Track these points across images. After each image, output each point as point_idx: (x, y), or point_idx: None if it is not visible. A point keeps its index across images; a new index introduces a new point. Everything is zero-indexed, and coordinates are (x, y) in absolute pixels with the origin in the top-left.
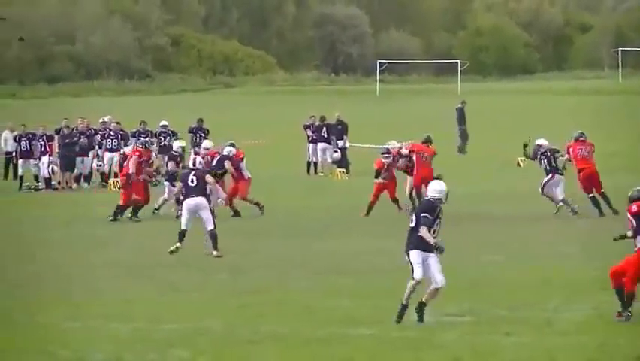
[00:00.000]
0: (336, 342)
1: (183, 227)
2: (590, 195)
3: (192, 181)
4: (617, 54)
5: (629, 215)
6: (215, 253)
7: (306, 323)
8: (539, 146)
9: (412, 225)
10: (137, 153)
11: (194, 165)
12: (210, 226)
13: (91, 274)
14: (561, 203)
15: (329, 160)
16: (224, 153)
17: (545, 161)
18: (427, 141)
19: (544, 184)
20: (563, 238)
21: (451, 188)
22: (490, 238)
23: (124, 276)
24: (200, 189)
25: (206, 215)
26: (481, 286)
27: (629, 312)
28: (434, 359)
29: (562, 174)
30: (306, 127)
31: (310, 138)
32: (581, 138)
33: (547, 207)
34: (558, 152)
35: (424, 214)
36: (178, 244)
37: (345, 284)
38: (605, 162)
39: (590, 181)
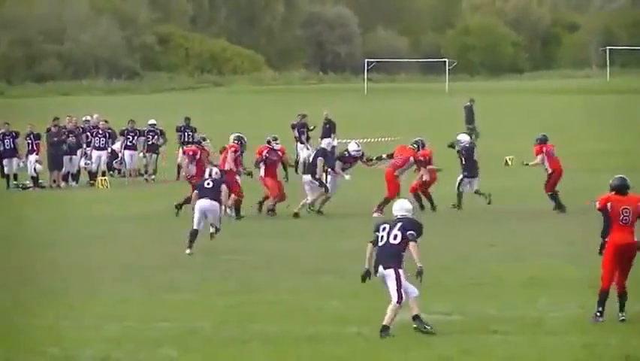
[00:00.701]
0: (326, 342)
1: (195, 227)
2: (550, 193)
3: (209, 184)
4: (605, 53)
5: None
6: (212, 231)
7: (296, 323)
8: (458, 141)
9: (396, 241)
10: (234, 148)
11: (210, 175)
12: (212, 230)
13: (83, 274)
14: (476, 194)
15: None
16: (323, 145)
17: (463, 158)
18: (423, 145)
19: (459, 183)
20: (552, 236)
21: (442, 187)
22: (479, 237)
23: (116, 275)
24: (215, 193)
25: (213, 219)
26: (470, 284)
27: (600, 312)
28: (423, 358)
29: (471, 176)
30: (293, 126)
31: (297, 138)
32: (547, 140)
33: (536, 206)
34: (472, 150)
35: (411, 232)
36: (188, 251)
37: (335, 284)
38: (594, 160)
39: (558, 181)
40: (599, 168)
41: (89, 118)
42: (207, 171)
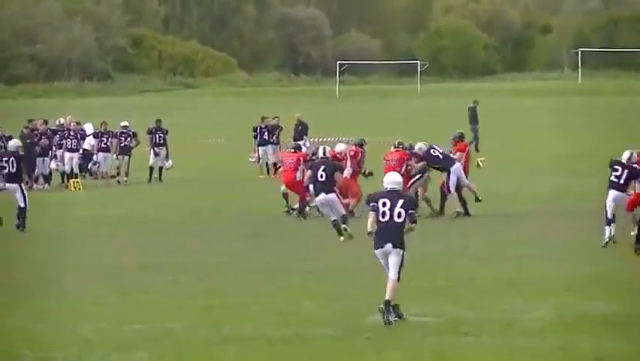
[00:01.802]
0: (298, 343)
1: (332, 218)
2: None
3: (322, 177)
4: (577, 55)
5: None
6: (341, 238)
7: (269, 325)
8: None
9: (400, 220)
10: (353, 152)
11: (324, 153)
12: (336, 216)
13: (56, 275)
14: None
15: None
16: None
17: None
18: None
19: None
20: (526, 238)
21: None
22: (453, 239)
23: (89, 277)
24: (329, 186)
25: (337, 207)
26: (443, 286)
27: None
28: (396, 359)
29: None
30: (256, 129)
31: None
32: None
33: (508, 208)
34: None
35: (412, 213)
36: (343, 235)
37: (307, 286)
38: (567, 162)
39: None
40: (572, 170)
41: (62, 121)
42: (321, 150)
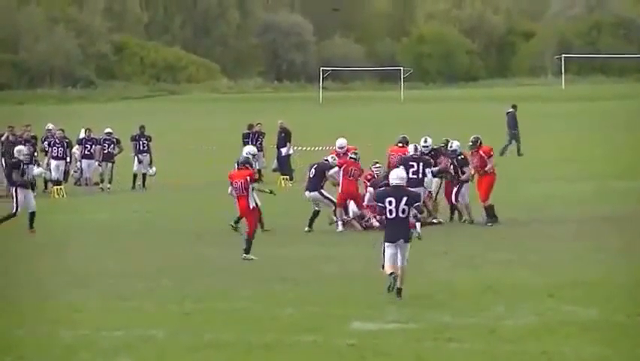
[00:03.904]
0: (280, 349)
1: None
2: None
3: (312, 174)
4: (561, 61)
5: None
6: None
7: (251, 331)
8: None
9: (404, 215)
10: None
11: (326, 160)
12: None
13: (37, 281)
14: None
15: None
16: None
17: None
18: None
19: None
20: (506, 244)
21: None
22: (433, 245)
23: (70, 283)
24: (316, 184)
25: (322, 205)
26: (425, 292)
27: None
28: None
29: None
30: (247, 135)
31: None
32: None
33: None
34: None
35: (416, 211)
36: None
37: (290, 292)
38: (548, 169)
39: None
40: (555, 175)
41: (50, 127)
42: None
